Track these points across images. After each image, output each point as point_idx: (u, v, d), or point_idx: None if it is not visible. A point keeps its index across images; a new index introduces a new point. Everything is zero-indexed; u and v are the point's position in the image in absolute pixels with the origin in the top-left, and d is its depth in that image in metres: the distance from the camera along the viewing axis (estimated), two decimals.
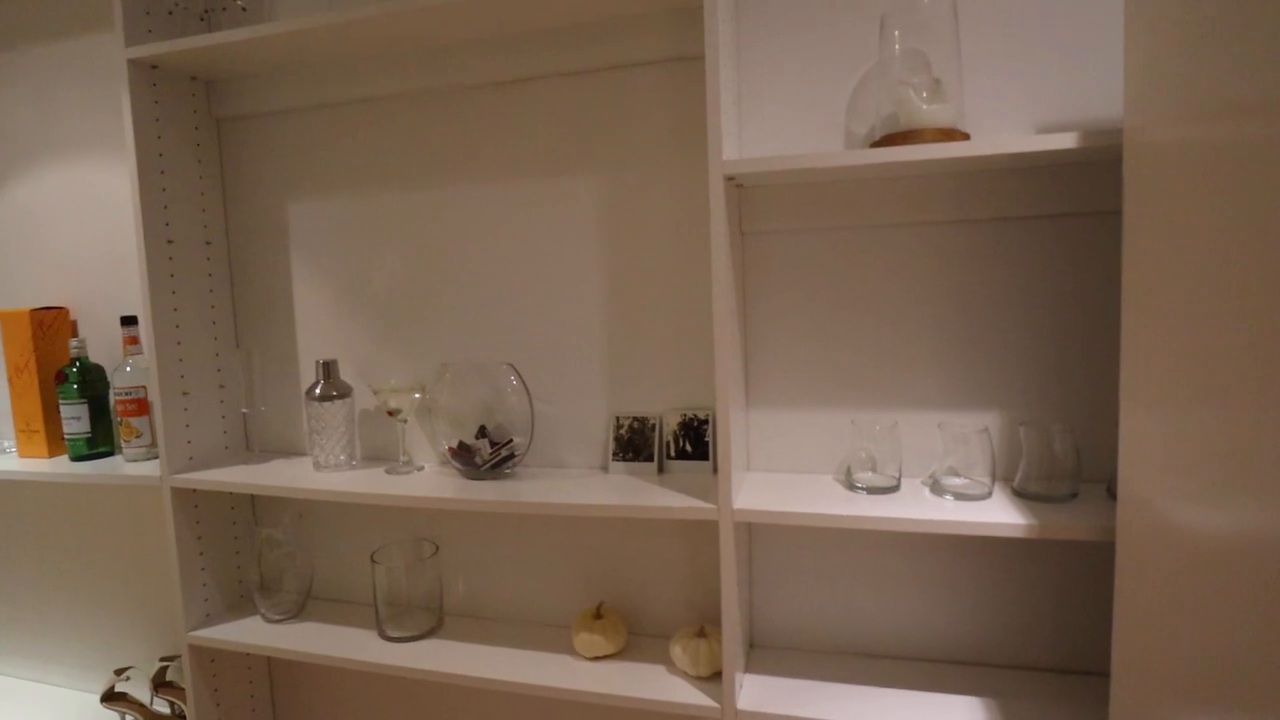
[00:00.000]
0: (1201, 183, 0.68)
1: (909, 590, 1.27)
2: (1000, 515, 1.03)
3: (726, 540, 1.12)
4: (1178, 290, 0.74)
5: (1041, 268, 1.16)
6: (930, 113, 1.06)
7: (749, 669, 1.27)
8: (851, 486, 1.19)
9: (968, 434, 1.12)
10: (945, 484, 1.14)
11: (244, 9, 1.48)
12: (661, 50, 1.26)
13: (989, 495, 1.11)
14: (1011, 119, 1.15)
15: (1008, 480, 1.18)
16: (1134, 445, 0.87)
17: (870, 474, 1.18)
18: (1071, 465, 1.09)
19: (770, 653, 1.32)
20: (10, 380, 1.67)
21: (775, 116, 1.25)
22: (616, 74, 1.31)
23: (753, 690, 1.20)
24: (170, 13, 1.42)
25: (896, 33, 1.11)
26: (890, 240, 1.22)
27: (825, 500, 1.14)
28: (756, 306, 1.29)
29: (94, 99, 1.67)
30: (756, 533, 1.33)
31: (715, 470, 1.32)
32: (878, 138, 1.11)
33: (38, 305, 1.74)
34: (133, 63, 1.37)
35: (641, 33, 1.26)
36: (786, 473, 1.30)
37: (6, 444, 1.78)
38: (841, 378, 1.26)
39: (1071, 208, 1.12)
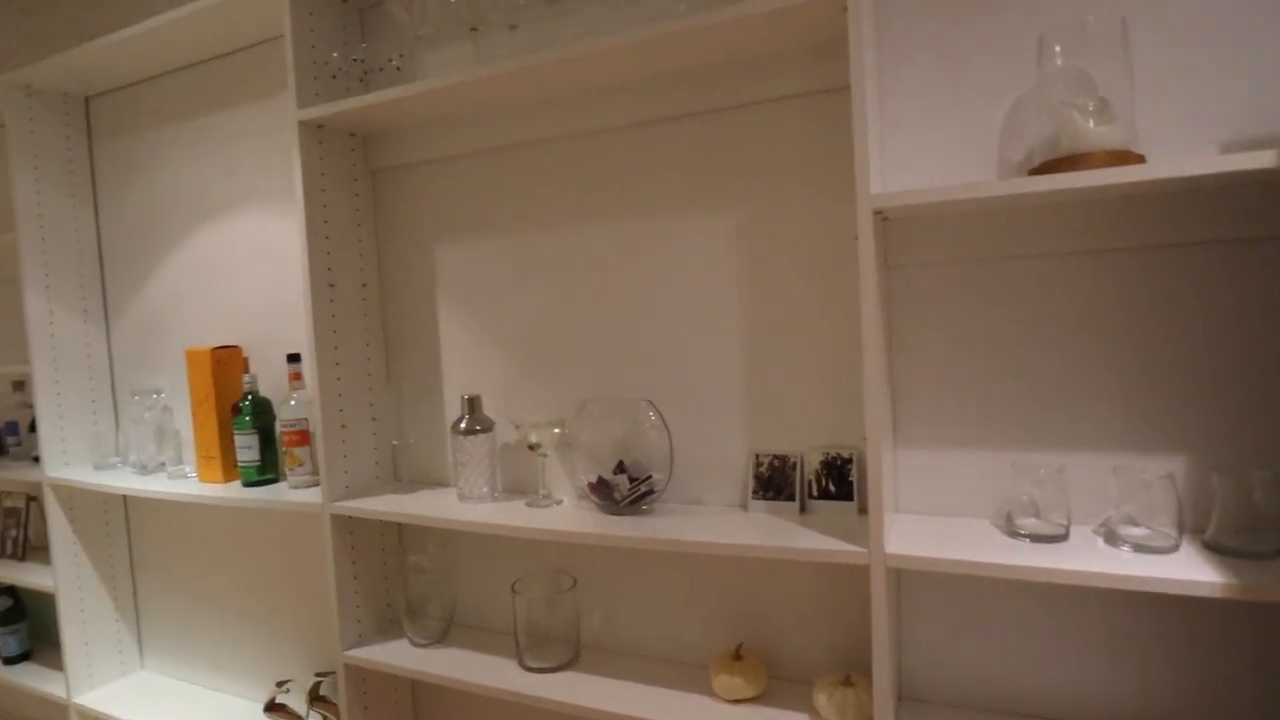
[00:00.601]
0: None
1: (1073, 649, 1.17)
2: (1194, 572, 0.93)
3: (878, 586, 1.08)
4: None
5: (1234, 296, 1.05)
6: (1099, 134, 0.99)
7: None
8: (1013, 533, 1.12)
9: (1150, 480, 1.03)
10: (1122, 534, 1.05)
11: (398, 68, 1.59)
12: (802, 85, 1.24)
13: (1176, 548, 1.01)
14: (1188, 138, 1.06)
15: (1198, 534, 1.07)
16: None
17: (1034, 520, 1.10)
18: (1275, 517, 0.98)
19: (920, 706, 1.25)
20: (193, 411, 1.84)
21: (921, 146, 1.20)
22: (756, 110, 1.31)
23: None
24: (334, 76, 1.54)
25: (1058, 50, 1.04)
26: (1054, 269, 1.14)
27: (986, 548, 1.07)
28: (903, 341, 1.24)
29: (268, 157, 1.83)
30: (906, 578, 1.27)
31: (860, 511, 1.27)
32: (1037, 163, 1.05)
33: (216, 344, 1.91)
34: (303, 124, 1.49)
35: (782, 68, 1.26)
36: (936, 516, 1.24)
37: (188, 469, 1.95)
38: (999, 416, 1.19)
39: (1266, 231, 1.02)
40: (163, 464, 1.99)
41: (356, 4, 1.63)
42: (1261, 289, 1.04)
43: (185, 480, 1.89)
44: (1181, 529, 1.03)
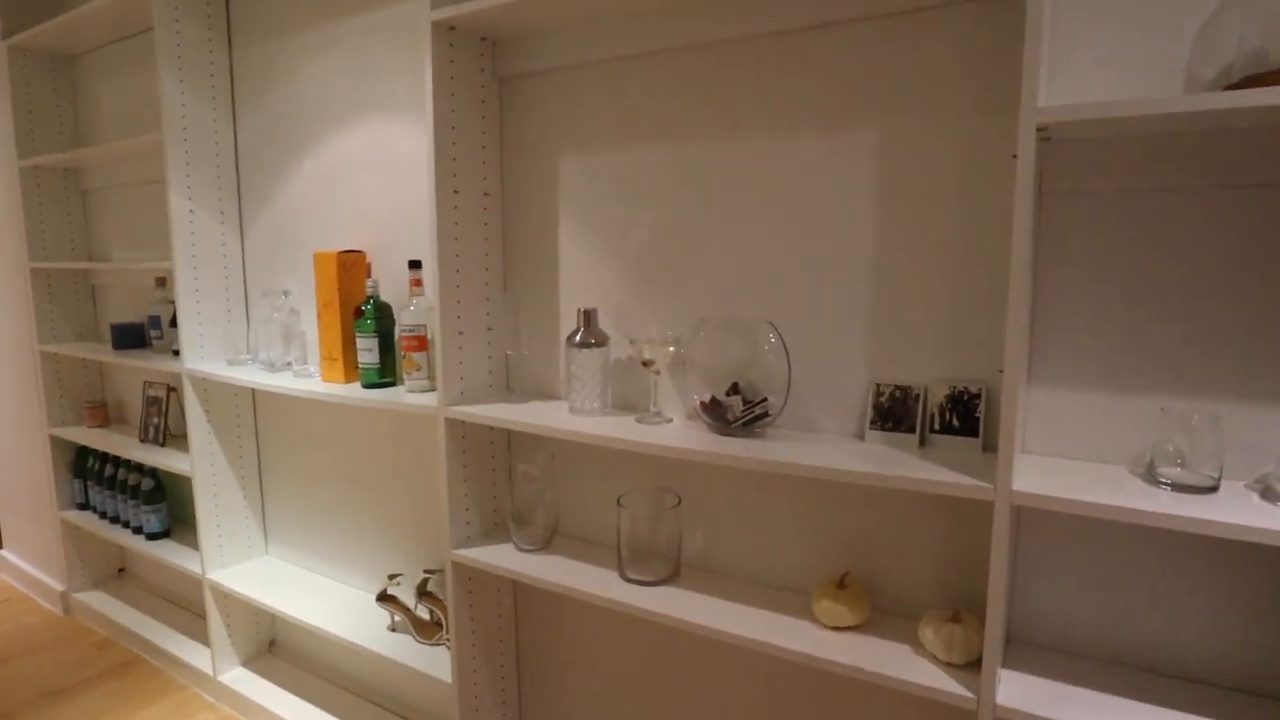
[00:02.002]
0: None
1: (1205, 605, 1.14)
2: None
3: (1001, 523, 1.07)
4: None
5: None
6: None
7: (1006, 664, 1.21)
8: (1154, 481, 1.08)
9: None
10: None
11: None
12: None
13: None
14: None
15: None
16: None
17: (1179, 470, 1.07)
18: None
19: (1031, 650, 1.25)
20: (318, 314, 1.98)
21: (1092, 59, 1.13)
22: (906, 18, 1.26)
23: (1012, 687, 1.14)
24: None
25: None
26: (1234, 203, 1.07)
27: (1121, 493, 1.04)
28: (1050, 274, 1.20)
29: (397, 63, 1.90)
30: (1025, 520, 1.26)
31: (985, 448, 1.25)
32: (1237, 79, 0.97)
33: (342, 249, 2.03)
34: (436, 25, 1.53)
35: None
36: (1069, 459, 1.21)
37: (312, 368, 2.11)
38: (1152, 357, 1.14)
39: None
40: (289, 363, 2.16)
41: None
42: None
43: (309, 379, 2.05)
44: None
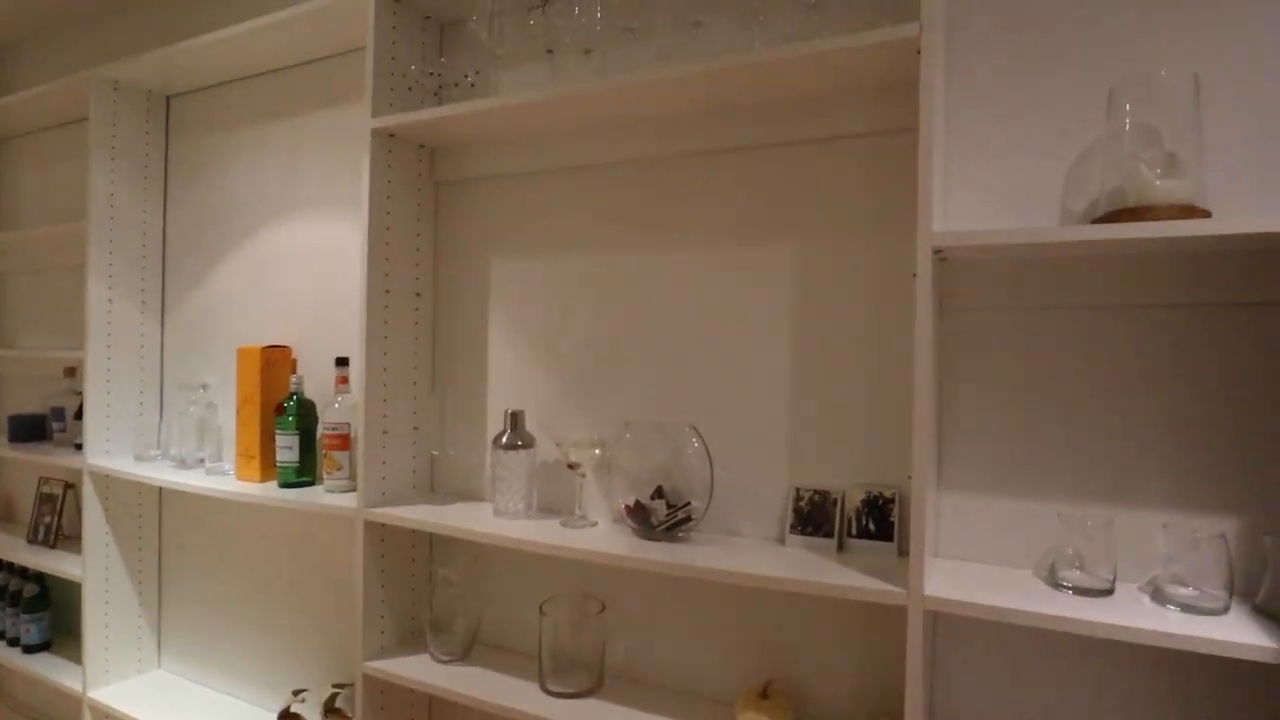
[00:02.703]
0: None
1: (1111, 708, 1.18)
2: (1245, 635, 0.95)
3: (915, 628, 1.11)
4: None
5: None
6: (1165, 189, 1.04)
7: None
8: (1056, 585, 1.14)
9: (1200, 539, 1.05)
10: (1170, 593, 1.07)
11: (473, 84, 1.71)
12: (868, 124, 1.32)
13: (1225, 610, 1.03)
14: (1255, 197, 1.10)
15: (1248, 598, 1.08)
16: None
17: (1078, 573, 1.13)
18: None
19: None
20: (238, 409, 1.95)
21: (982, 191, 1.27)
22: (819, 146, 1.39)
23: None
24: (409, 89, 1.67)
25: (1127, 105, 1.10)
26: (1111, 322, 1.19)
27: (1027, 597, 1.10)
28: (954, 385, 1.29)
29: (331, 165, 1.97)
30: (941, 624, 1.30)
31: (900, 552, 1.30)
32: (1101, 214, 1.10)
33: (267, 344, 2.02)
34: (376, 132, 1.61)
35: (848, 106, 1.34)
36: (978, 563, 1.27)
37: (227, 466, 2.05)
38: (1048, 466, 1.23)
39: None
40: (202, 459, 2.10)
41: (438, 20, 1.77)
42: None
43: (223, 476, 2.00)
44: (1231, 591, 1.05)
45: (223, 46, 1.92)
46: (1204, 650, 0.96)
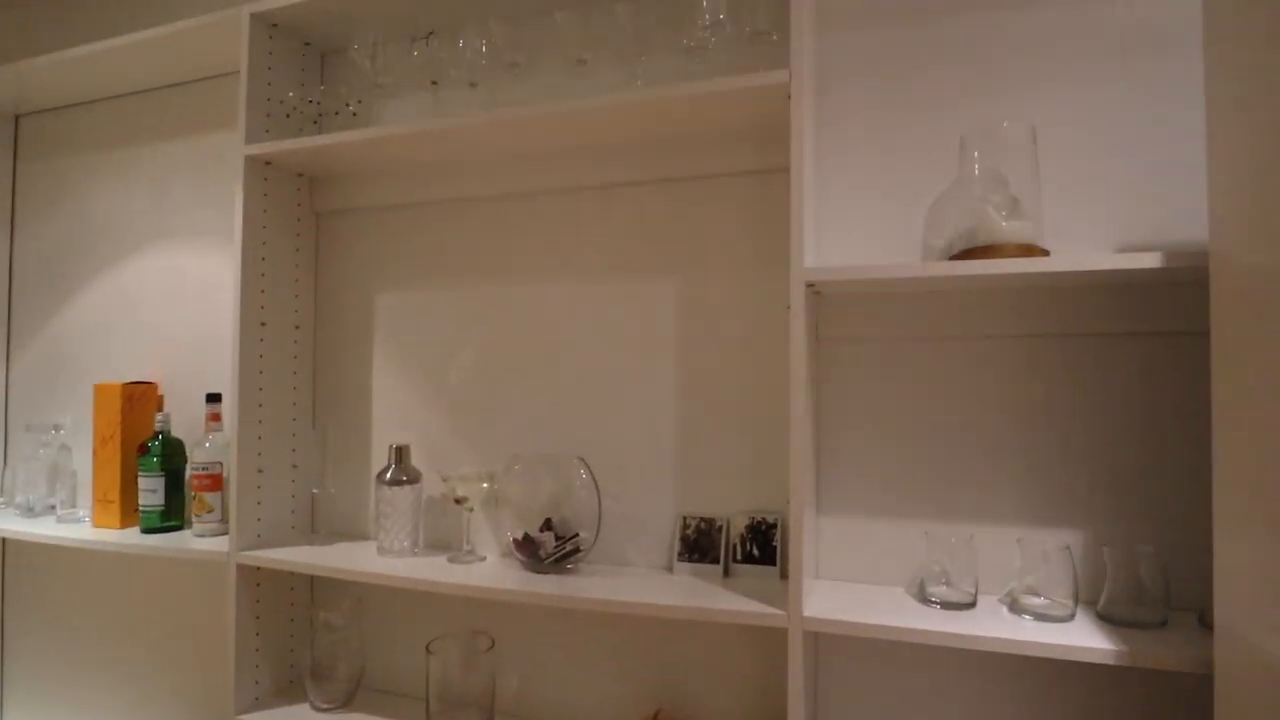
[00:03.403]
0: None
1: (982, 713, 1.25)
2: (1087, 639, 1.04)
3: (795, 649, 1.14)
4: (1272, 414, 0.77)
5: (1127, 385, 1.20)
6: (1010, 229, 1.13)
7: None
8: (925, 600, 1.21)
9: (1049, 551, 1.14)
10: (1024, 603, 1.15)
11: (354, 114, 1.68)
12: (746, 163, 1.38)
13: (1072, 617, 1.12)
14: (1090, 238, 1.22)
15: (1090, 603, 1.18)
16: (1230, 574, 0.88)
17: (944, 588, 1.20)
18: (1160, 591, 1.09)
19: None
20: (95, 451, 1.81)
21: (853, 229, 1.34)
22: (700, 183, 1.44)
23: None
24: (287, 116, 1.62)
25: (976, 153, 1.20)
26: (969, 352, 1.28)
27: (898, 613, 1.15)
28: (829, 413, 1.35)
29: (202, 192, 1.88)
30: (824, 642, 1.34)
31: (783, 575, 1.34)
32: (956, 251, 1.19)
33: (130, 380, 1.89)
34: (250, 159, 1.55)
35: (727, 146, 1.39)
36: (856, 583, 1.32)
37: (82, 512, 1.90)
38: (916, 488, 1.30)
39: (1154, 327, 1.17)
40: (53, 506, 1.93)
41: (318, 48, 1.73)
42: (1150, 380, 1.19)
43: (77, 524, 1.85)
44: (1077, 599, 1.14)
45: (82, 64, 1.81)
46: (1053, 655, 1.03)
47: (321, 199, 1.72)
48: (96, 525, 1.81)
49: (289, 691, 1.64)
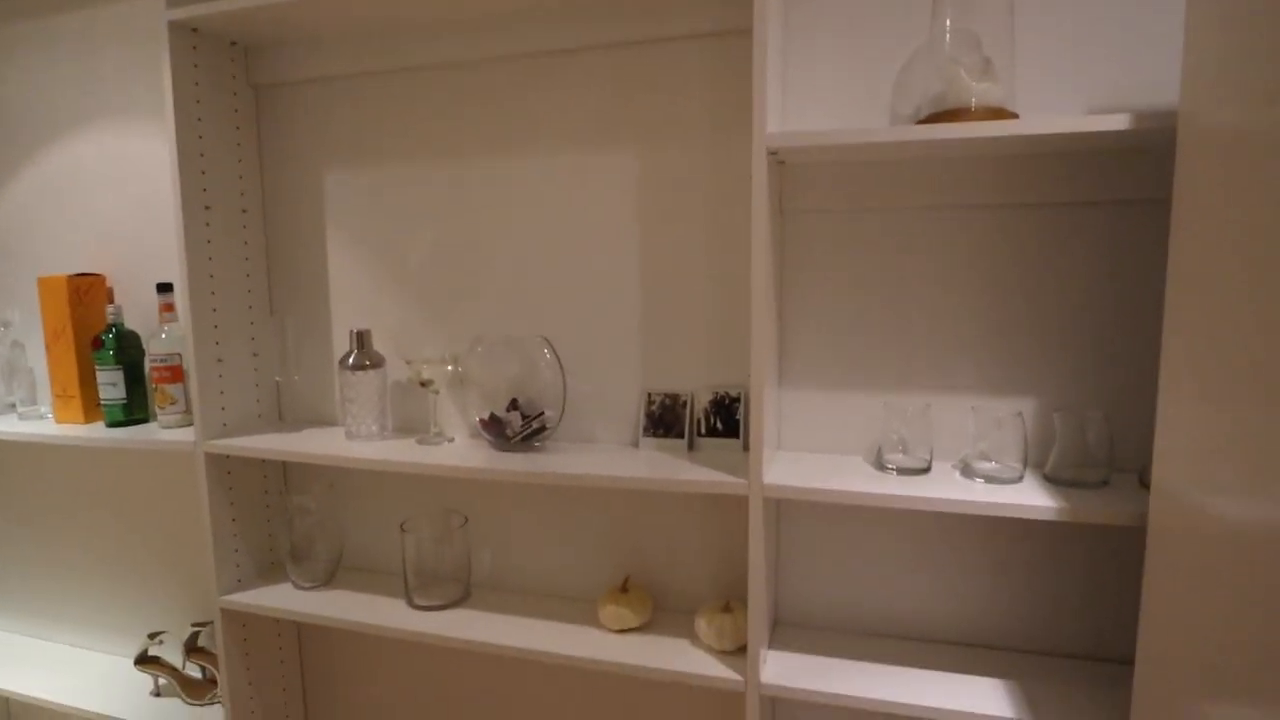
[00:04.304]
0: (1257, 170, 0.72)
1: (936, 573, 1.32)
2: (1030, 499, 1.07)
3: (755, 516, 1.18)
4: (1225, 280, 0.77)
5: (1083, 255, 1.19)
6: (980, 91, 1.09)
7: (773, 645, 1.32)
8: (882, 467, 1.24)
9: (1001, 418, 1.16)
10: (976, 468, 1.18)
11: None
12: (706, 24, 1.29)
13: (1020, 479, 1.15)
14: (1062, 103, 1.18)
15: (1040, 467, 1.22)
16: (1170, 434, 0.91)
17: (901, 455, 1.23)
18: (1104, 453, 1.13)
19: (795, 630, 1.38)
20: (47, 346, 1.76)
21: (818, 92, 1.28)
22: (659, 47, 1.35)
23: (776, 665, 1.25)
24: None
25: (949, 12, 1.13)
26: (931, 223, 1.25)
27: (854, 479, 1.18)
28: (793, 286, 1.33)
29: (133, 65, 1.74)
30: (785, 511, 1.38)
31: (745, 448, 1.37)
32: (924, 116, 1.14)
33: (75, 272, 1.82)
34: (173, 25, 1.42)
35: (686, 6, 1.30)
36: (817, 453, 1.35)
37: (44, 409, 1.87)
38: (876, 360, 1.31)
39: (1117, 195, 1.15)
40: (13, 404, 1.89)
41: None
42: (1108, 249, 1.18)
43: (39, 420, 1.82)
44: (1026, 463, 1.18)
45: None
46: (999, 514, 1.07)
47: (258, 70, 1.60)
48: (59, 421, 1.78)
49: (270, 573, 1.68)
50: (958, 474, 1.21)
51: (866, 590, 1.36)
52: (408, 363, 1.49)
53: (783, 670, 1.24)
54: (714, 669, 1.25)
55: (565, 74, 1.42)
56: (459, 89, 1.50)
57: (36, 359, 1.91)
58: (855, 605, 1.37)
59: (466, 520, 1.54)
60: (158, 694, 1.81)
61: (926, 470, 1.22)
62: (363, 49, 1.52)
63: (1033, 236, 1.21)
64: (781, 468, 1.25)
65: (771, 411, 1.25)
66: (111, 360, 1.69)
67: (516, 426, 1.40)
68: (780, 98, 1.27)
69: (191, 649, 1.79)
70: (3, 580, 2.16)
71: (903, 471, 1.22)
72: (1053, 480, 1.16)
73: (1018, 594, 1.28)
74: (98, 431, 1.68)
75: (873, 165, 1.26)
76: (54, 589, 2.08)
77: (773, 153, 1.14)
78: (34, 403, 1.89)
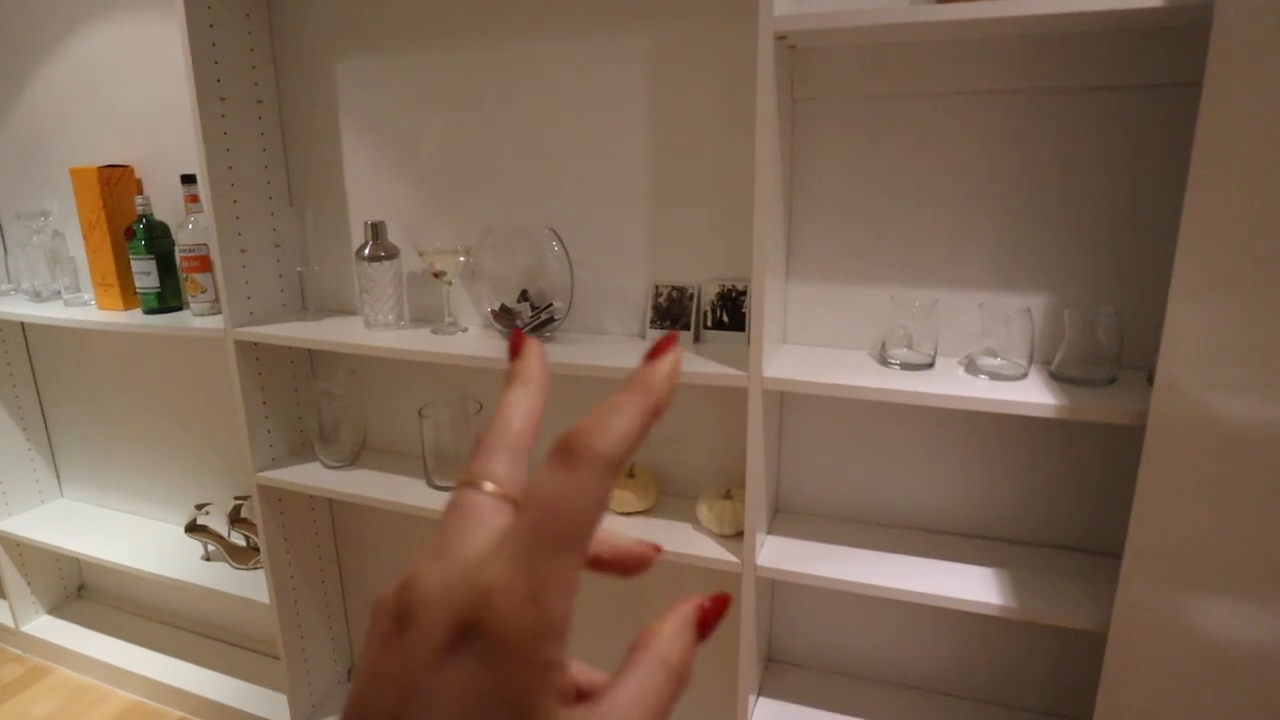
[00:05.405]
0: None
1: (935, 466, 1.30)
2: (1031, 395, 1.03)
3: (755, 407, 1.15)
4: (1250, 171, 0.70)
5: (1104, 144, 1.09)
6: None
7: (772, 530, 1.33)
8: (885, 362, 1.20)
9: (1009, 314, 1.10)
10: (981, 364, 1.14)
11: None
12: None
13: (1024, 376, 1.11)
14: None
15: (1047, 365, 1.17)
16: (1178, 330, 0.85)
17: (905, 350, 1.18)
18: (1113, 350, 1.07)
19: (794, 517, 1.38)
20: (85, 236, 1.76)
21: None
22: None
23: (773, 549, 1.26)
24: None
25: None
26: (947, 110, 1.16)
27: (857, 373, 1.15)
28: (804, 177, 1.26)
29: None
30: (789, 403, 1.36)
31: (750, 342, 1.33)
32: None
33: (104, 163, 1.80)
34: None
35: None
36: (824, 347, 1.31)
37: (86, 296, 1.89)
38: (885, 253, 1.24)
39: (1145, 78, 1.05)
40: (58, 291, 1.92)
41: None
42: (1126, 139, 1.08)
43: (84, 307, 1.84)
44: (1032, 359, 1.12)
45: None
46: (999, 410, 1.03)
47: None
48: (101, 308, 1.81)
49: (301, 453, 1.72)
50: (962, 370, 1.16)
51: (866, 481, 1.35)
52: (421, 254, 1.46)
53: (779, 554, 1.25)
54: (713, 551, 1.26)
55: None
56: None
57: (77, 248, 1.92)
58: (855, 496, 1.36)
59: (481, 407, 1.55)
60: (207, 559, 1.91)
61: (930, 366, 1.17)
62: None
63: (1052, 123, 1.11)
64: (784, 361, 1.22)
65: (776, 305, 1.21)
66: (143, 250, 1.69)
67: (526, 317, 1.38)
68: None
69: (235, 519, 1.87)
70: (69, 454, 2.26)
71: (906, 366, 1.18)
72: (1058, 377, 1.11)
73: (1015, 488, 1.26)
74: (135, 318, 1.71)
75: (889, 49, 1.16)
76: (112, 462, 2.17)
77: (781, 37, 1.05)
78: (77, 289, 1.91)
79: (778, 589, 1.45)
